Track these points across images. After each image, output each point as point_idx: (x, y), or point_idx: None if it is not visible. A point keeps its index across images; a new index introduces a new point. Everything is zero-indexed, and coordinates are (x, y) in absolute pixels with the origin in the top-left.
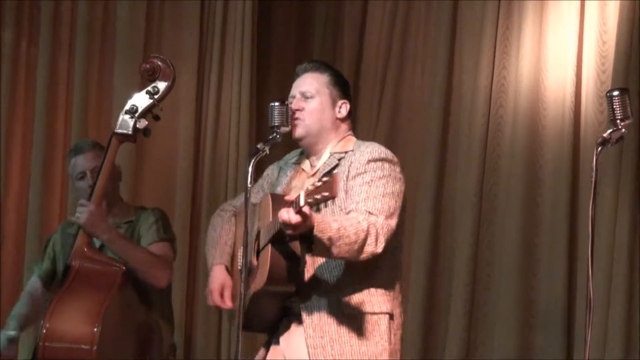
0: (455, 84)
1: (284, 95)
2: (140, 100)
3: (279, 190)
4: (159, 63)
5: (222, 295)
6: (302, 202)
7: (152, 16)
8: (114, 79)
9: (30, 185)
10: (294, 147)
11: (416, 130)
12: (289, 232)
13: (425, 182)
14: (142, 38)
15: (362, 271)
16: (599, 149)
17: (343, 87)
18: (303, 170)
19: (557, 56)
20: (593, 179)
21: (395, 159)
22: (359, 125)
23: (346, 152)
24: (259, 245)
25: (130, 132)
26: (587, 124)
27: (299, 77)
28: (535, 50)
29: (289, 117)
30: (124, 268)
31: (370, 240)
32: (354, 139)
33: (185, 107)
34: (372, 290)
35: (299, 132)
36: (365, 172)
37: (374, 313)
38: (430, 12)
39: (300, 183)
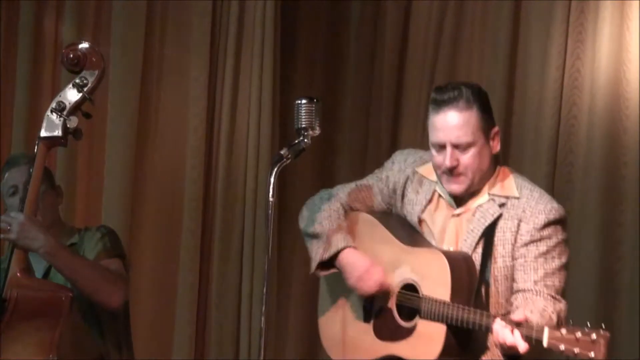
0: (519, 77)
1: (311, 92)
2: (68, 95)
3: (409, 210)
4: (84, 49)
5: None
6: (545, 344)
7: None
8: (109, 80)
9: None
10: (319, 150)
11: None
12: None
13: None
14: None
15: None
16: None
17: (490, 109)
18: (442, 198)
19: None
20: None
21: (566, 215)
22: (402, 131)
23: (508, 198)
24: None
25: (59, 134)
26: None
27: (441, 115)
28: (616, 37)
29: (318, 117)
30: (70, 294)
31: None
32: (507, 172)
33: (194, 106)
34: None
35: (460, 189)
36: (541, 239)
37: None
38: None
39: (440, 219)
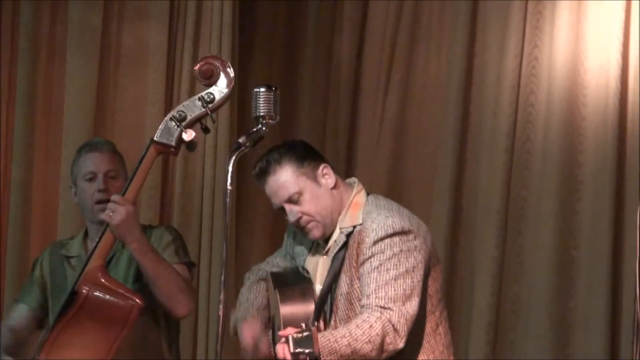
0: (477, 65)
1: (270, 81)
2: (191, 107)
3: (298, 263)
4: (219, 65)
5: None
6: (291, 349)
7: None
8: (65, 76)
9: None
10: (278, 138)
11: (429, 122)
12: None
13: (440, 184)
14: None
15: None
16: None
17: (308, 153)
18: (318, 243)
19: (600, 33)
20: None
21: (407, 226)
22: (361, 122)
23: (354, 227)
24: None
25: (172, 144)
26: (635, 114)
27: (266, 186)
28: (574, 25)
29: (277, 105)
30: (140, 304)
31: (389, 339)
32: (361, 199)
33: (153, 95)
34: None
35: (318, 234)
36: (373, 255)
37: None
38: None
39: (315, 262)
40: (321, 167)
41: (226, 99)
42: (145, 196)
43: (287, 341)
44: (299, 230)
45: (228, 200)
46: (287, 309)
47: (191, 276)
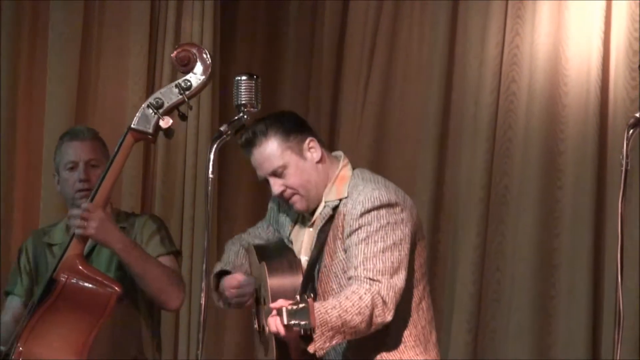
0: (458, 54)
1: (251, 70)
2: (168, 94)
3: (282, 234)
4: (195, 52)
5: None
6: (285, 321)
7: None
8: (47, 65)
9: None
10: None
11: (411, 111)
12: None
13: (422, 172)
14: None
15: (384, 332)
16: (631, 131)
17: (295, 126)
18: (304, 215)
19: (581, 21)
20: (623, 168)
21: (394, 199)
22: (342, 111)
23: (340, 200)
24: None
25: (150, 131)
26: (616, 102)
27: (251, 157)
28: (555, 13)
29: (258, 94)
30: (119, 291)
31: (378, 311)
32: (347, 173)
33: (134, 83)
34: (401, 347)
35: (302, 207)
36: (360, 227)
37: None
38: None
39: (300, 233)
40: (307, 141)
41: (203, 85)
42: (126, 184)
43: (279, 313)
44: (283, 201)
45: (210, 188)
46: (275, 281)
47: (179, 265)
